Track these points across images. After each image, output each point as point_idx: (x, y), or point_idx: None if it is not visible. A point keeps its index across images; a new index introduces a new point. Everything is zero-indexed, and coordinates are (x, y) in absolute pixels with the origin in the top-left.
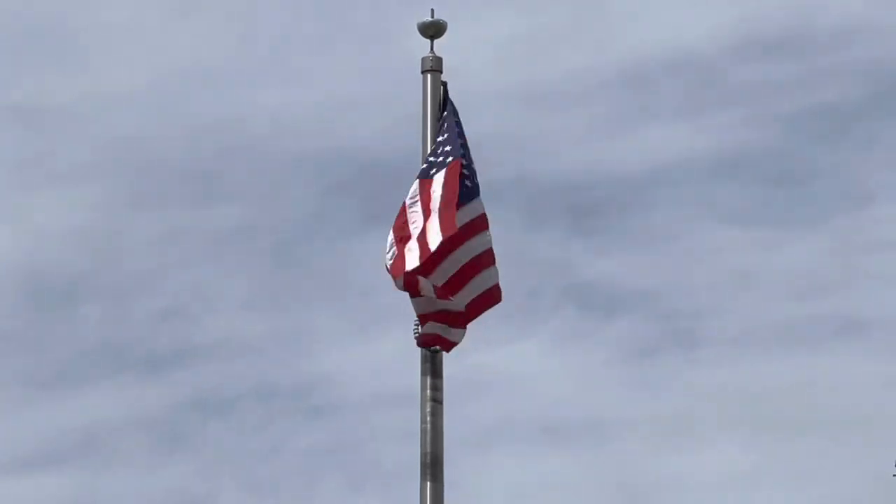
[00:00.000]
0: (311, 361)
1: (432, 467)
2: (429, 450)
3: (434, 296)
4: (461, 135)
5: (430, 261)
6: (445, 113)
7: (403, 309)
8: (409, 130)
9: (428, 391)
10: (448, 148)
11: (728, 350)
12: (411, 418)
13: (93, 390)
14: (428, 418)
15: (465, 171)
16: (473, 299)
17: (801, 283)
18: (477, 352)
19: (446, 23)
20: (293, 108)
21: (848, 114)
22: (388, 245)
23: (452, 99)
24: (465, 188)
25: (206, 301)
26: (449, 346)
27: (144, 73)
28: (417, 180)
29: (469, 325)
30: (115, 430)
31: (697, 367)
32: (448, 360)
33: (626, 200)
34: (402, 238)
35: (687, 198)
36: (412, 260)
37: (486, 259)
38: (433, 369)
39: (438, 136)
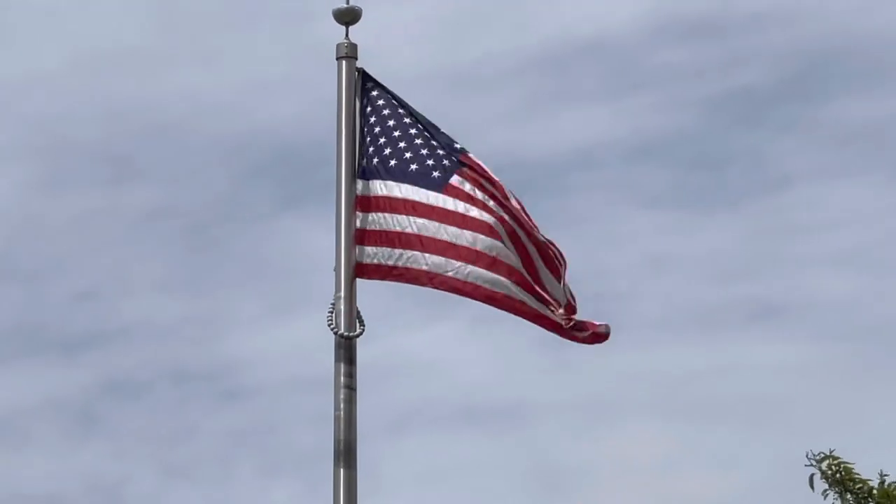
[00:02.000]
0: (226, 345)
1: (346, 454)
2: (342, 437)
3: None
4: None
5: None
6: (382, 101)
7: (318, 293)
8: (325, 116)
9: (342, 378)
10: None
11: (645, 334)
12: (326, 403)
13: (6, 372)
14: (341, 405)
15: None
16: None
17: (718, 268)
18: (392, 336)
19: (361, 9)
20: (209, 90)
21: (764, 98)
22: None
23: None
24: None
25: (120, 284)
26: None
27: (59, 54)
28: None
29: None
30: (29, 412)
31: (614, 351)
32: (362, 344)
33: (543, 184)
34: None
35: (604, 181)
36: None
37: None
38: (347, 356)
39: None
